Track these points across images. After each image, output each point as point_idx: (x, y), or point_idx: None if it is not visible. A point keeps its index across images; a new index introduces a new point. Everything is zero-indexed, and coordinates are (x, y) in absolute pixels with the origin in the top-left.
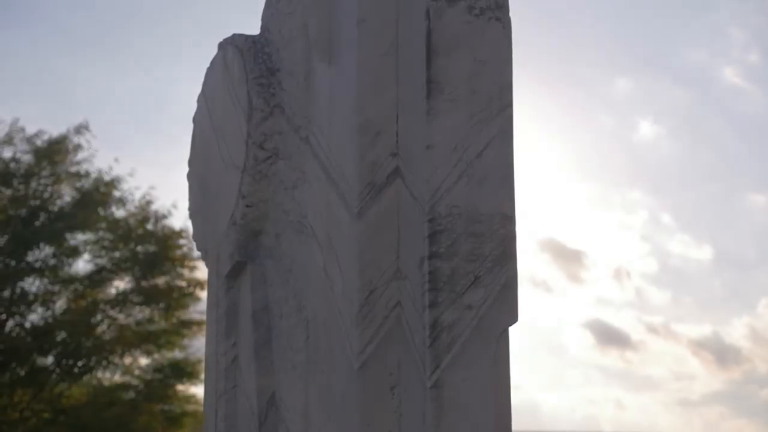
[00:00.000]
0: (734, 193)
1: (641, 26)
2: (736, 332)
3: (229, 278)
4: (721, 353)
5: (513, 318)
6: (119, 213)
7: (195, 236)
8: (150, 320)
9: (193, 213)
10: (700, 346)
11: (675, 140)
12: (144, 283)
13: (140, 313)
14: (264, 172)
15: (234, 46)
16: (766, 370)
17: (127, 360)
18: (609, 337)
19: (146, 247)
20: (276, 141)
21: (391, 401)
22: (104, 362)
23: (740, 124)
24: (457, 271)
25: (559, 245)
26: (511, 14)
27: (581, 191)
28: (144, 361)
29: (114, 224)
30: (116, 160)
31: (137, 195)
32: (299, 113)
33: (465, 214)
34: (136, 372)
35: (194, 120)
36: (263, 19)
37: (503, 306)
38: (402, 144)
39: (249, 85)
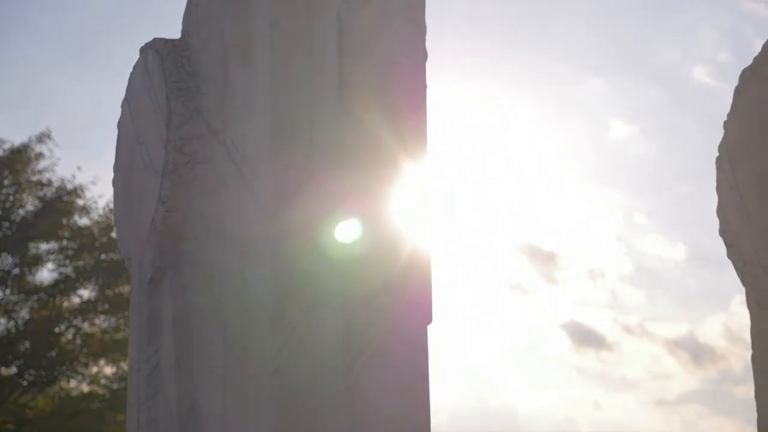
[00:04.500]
0: (707, 192)
1: (613, 25)
2: (711, 331)
3: (150, 284)
4: (696, 352)
5: (427, 319)
6: (83, 221)
7: (119, 242)
8: (116, 329)
9: (118, 219)
10: (675, 345)
11: (648, 140)
12: (109, 292)
13: (105, 322)
14: (183, 177)
15: (154, 50)
16: (741, 368)
17: (93, 369)
18: (585, 338)
19: (110, 256)
20: (195, 145)
21: (306, 406)
22: (69, 372)
23: (711, 124)
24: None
25: (534, 247)
26: (482, 14)
27: (554, 192)
28: (109, 370)
29: (77, 233)
30: (79, 168)
31: (101, 203)
32: (217, 117)
33: None
34: (102, 381)
35: (119, 125)
36: (183, 22)
37: (417, 308)
38: (316, 146)
39: (168, 89)
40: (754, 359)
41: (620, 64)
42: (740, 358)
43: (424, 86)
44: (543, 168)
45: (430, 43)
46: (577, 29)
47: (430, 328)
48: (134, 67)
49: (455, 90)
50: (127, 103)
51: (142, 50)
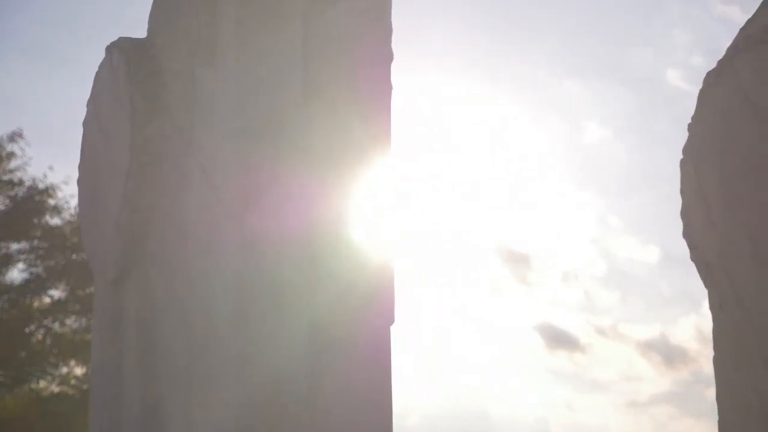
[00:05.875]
0: (679, 195)
1: (588, 29)
2: (683, 333)
3: (114, 284)
4: (668, 354)
5: (390, 320)
6: (54, 221)
7: (84, 242)
8: (87, 329)
9: (83, 218)
10: (648, 347)
11: (621, 142)
12: (80, 292)
13: (76, 322)
14: (148, 176)
15: (119, 49)
16: (712, 370)
17: (63, 370)
18: (558, 339)
19: (82, 256)
20: (160, 145)
21: (274, 406)
22: (39, 372)
23: (684, 127)
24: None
25: (508, 248)
26: (459, 15)
27: (528, 194)
28: (80, 370)
29: (49, 232)
30: (51, 168)
31: (72, 203)
32: (183, 116)
33: None
34: (72, 382)
35: (84, 125)
36: (150, 21)
37: (381, 309)
38: (282, 146)
39: (133, 88)
40: (716, 361)
41: (595, 67)
42: (711, 359)
43: (390, 87)
44: (517, 169)
45: (408, 43)
46: (554, 32)
47: (401, 329)
48: (100, 67)
49: (430, 91)
50: (92, 103)
51: (108, 49)
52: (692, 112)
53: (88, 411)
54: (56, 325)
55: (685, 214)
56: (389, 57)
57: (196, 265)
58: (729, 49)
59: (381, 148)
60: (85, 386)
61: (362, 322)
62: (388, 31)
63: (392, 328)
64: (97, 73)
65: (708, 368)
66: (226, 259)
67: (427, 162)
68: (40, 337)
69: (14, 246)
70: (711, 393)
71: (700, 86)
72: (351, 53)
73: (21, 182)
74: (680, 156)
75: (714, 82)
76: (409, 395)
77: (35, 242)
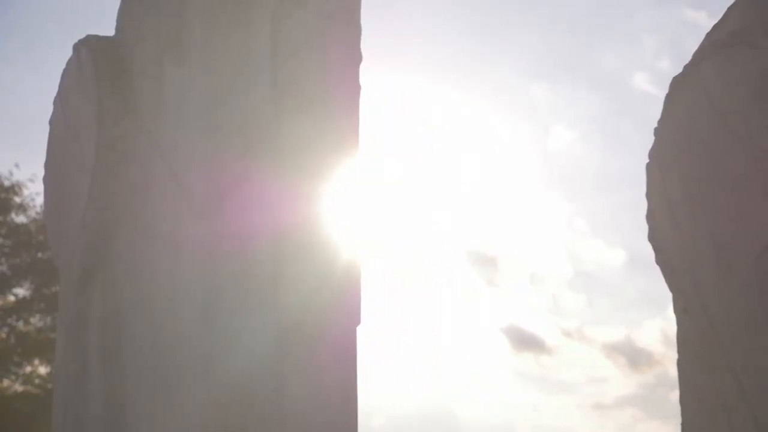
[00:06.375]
0: (645, 198)
1: (557, 32)
2: (649, 335)
3: (79, 283)
4: (633, 356)
5: (357, 320)
6: (20, 219)
7: (50, 240)
8: (51, 328)
9: (49, 216)
10: (613, 349)
11: (588, 145)
12: (45, 291)
13: (41, 320)
14: (114, 175)
15: (87, 47)
16: (677, 372)
17: (27, 369)
18: (525, 342)
19: (47, 254)
20: (127, 144)
21: (241, 406)
22: (2, 371)
23: (651, 130)
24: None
25: (476, 251)
26: (428, 17)
27: (496, 196)
28: (44, 369)
29: (14, 230)
30: (17, 165)
31: (38, 201)
32: (151, 116)
33: None
34: (36, 381)
35: (50, 123)
36: (118, 19)
37: (347, 309)
38: (250, 147)
39: (101, 87)
40: (680, 364)
41: (563, 70)
42: (676, 362)
43: (359, 88)
44: (485, 172)
45: (377, 45)
46: (522, 35)
47: (367, 330)
48: (67, 65)
49: (399, 93)
50: (59, 101)
51: (75, 47)
52: (659, 116)
53: (52, 410)
54: (20, 324)
55: (650, 217)
56: (358, 58)
57: (161, 265)
58: (695, 54)
59: (350, 150)
60: (49, 385)
61: (330, 323)
62: (357, 32)
63: (359, 328)
64: (64, 71)
65: (673, 371)
66: (194, 259)
67: (395, 164)
68: (3, 335)
69: None
70: (675, 395)
71: (667, 90)
72: (320, 54)
73: None
74: (647, 159)
75: (680, 86)
76: (375, 395)
77: (0, 240)
